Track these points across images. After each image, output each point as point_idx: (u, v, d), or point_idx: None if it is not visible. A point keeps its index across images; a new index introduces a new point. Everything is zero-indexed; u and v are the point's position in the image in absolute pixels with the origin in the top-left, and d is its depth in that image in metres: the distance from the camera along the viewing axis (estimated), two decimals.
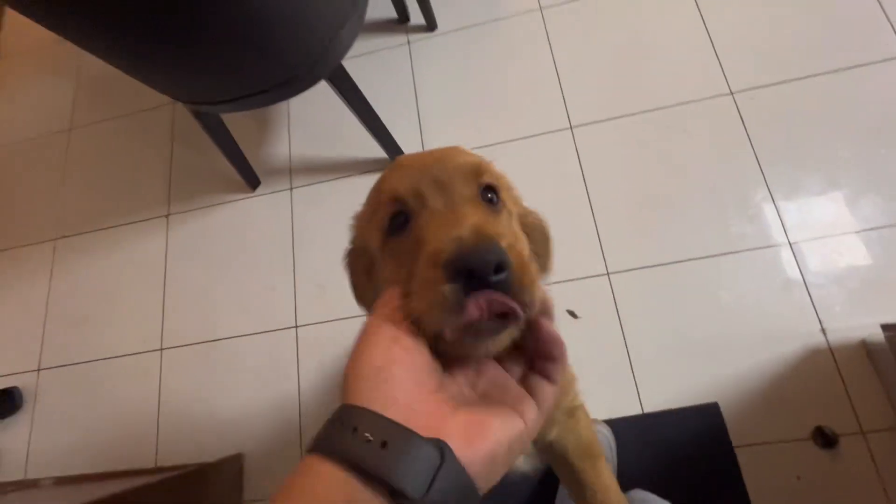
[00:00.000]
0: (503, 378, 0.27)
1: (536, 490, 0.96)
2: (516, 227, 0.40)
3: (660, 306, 1.04)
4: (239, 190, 1.34)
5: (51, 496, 0.98)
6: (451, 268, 0.25)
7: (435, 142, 1.27)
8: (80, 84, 1.62)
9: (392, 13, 1.40)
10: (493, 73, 1.31)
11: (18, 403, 1.25)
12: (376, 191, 0.39)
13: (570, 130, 1.21)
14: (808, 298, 1.00)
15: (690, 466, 0.95)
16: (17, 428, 1.24)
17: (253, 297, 1.24)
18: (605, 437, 0.94)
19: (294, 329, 1.19)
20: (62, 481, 1.04)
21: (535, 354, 0.28)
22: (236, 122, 1.31)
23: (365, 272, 0.42)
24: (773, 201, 1.07)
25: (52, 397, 1.27)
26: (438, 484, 0.21)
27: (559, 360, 0.28)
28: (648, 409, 0.99)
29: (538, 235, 0.46)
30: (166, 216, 1.37)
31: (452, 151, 0.37)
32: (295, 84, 0.90)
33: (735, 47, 1.19)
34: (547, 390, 0.27)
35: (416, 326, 0.26)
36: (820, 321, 0.98)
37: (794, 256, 1.03)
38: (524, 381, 0.28)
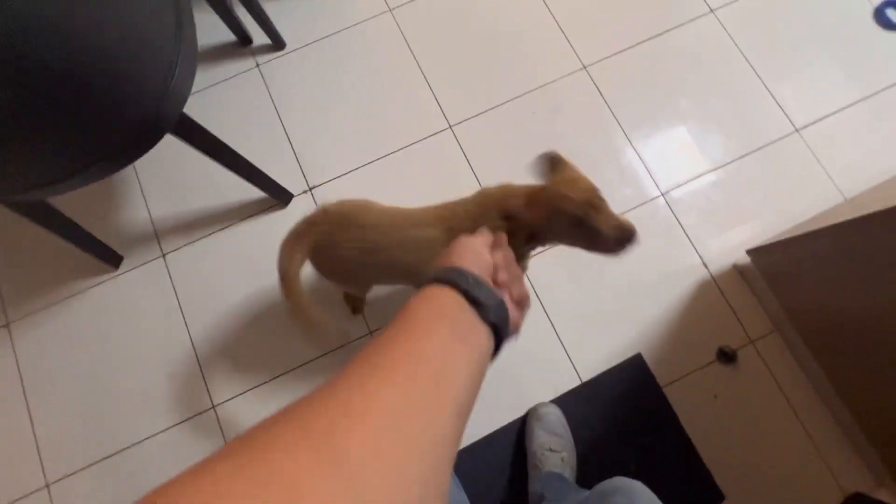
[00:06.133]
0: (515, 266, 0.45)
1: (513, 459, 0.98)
2: None
3: (572, 278, 1.10)
4: (98, 272, 1.13)
5: None
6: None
7: (317, 169, 1.19)
8: None
9: (230, 36, 1.25)
10: (358, 83, 1.24)
11: None
12: None
13: (450, 130, 1.20)
14: (687, 239, 1.13)
15: (631, 416, 1.04)
16: None
17: (155, 388, 1.07)
18: (557, 417, 0.99)
19: (212, 410, 1.05)
20: None
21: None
22: (69, 197, 1.11)
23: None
24: (642, 160, 1.18)
25: None
26: (500, 313, 0.35)
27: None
28: (585, 376, 1.05)
29: None
30: (6, 326, 1.11)
31: None
32: (132, 150, 0.77)
33: (578, 25, 1.27)
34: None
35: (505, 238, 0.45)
36: (700, 256, 1.12)
37: (669, 205, 1.15)
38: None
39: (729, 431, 1.01)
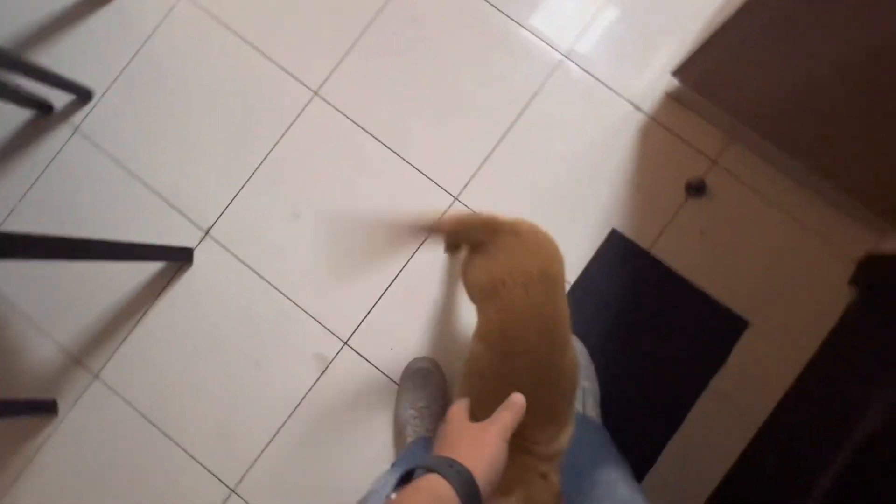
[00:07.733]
0: None
1: None
2: None
3: (514, 183, 1.01)
4: (41, 427, 1.00)
5: None
6: None
7: (202, 209, 1.03)
8: None
9: (25, 114, 1.04)
10: (195, 92, 1.05)
11: None
12: None
13: (316, 96, 1.04)
14: (608, 89, 1.01)
15: (631, 292, 0.98)
16: None
17: (163, 498, 0.99)
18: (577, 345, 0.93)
19: (233, 494, 0.98)
20: None
21: None
22: None
23: None
24: (528, 29, 1.03)
25: None
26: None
27: None
28: (572, 277, 0.98)
29: None
30: None
31: None
32: None
33: None
34: None
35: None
36: (629, 101, 1.01)
37: (575, 63, 1.02)
38: None
39: (728, 259, 0.96)
